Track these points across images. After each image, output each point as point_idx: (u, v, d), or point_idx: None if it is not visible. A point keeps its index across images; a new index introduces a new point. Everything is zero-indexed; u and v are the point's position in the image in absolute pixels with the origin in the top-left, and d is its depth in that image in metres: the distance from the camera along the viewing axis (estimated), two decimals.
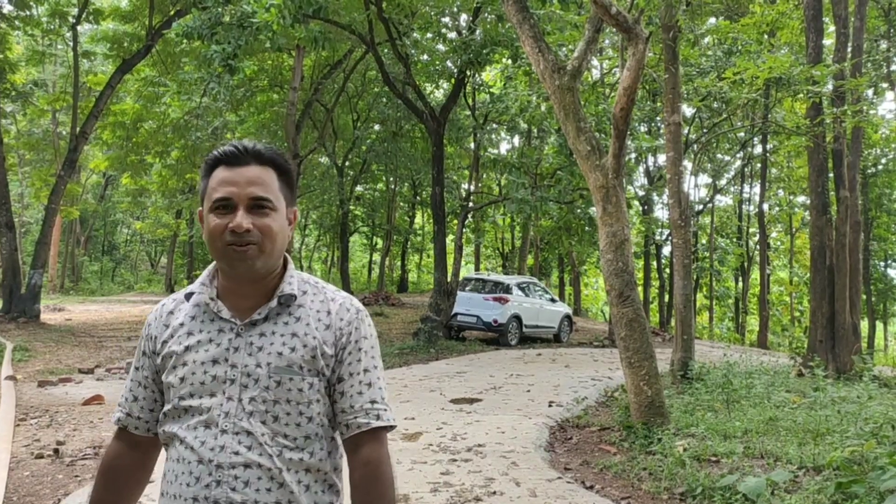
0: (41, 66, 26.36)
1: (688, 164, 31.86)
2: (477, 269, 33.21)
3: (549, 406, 8.74)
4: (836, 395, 7.76)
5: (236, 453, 1.47)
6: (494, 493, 5.10)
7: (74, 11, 20.59)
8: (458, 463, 6.02)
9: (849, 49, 12.99)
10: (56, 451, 6.13)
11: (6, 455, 5.82)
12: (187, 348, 1.56)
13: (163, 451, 1.69)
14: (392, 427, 1.61)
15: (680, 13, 10.24)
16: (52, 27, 21.21)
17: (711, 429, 6.47)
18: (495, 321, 16.76)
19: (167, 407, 1.57)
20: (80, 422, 7.40)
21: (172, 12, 18.60)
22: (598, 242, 7.26)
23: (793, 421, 6.72)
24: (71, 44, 21.26)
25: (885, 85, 22.06)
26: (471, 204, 21.82)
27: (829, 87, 12.16)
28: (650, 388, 6.66)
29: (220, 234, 1.52)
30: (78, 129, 18.77)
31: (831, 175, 13.69)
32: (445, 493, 5.10)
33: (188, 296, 1.63)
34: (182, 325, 1.60)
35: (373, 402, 1.58)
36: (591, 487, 5.42)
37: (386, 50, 18.86)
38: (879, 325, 32.21)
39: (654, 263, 30.64)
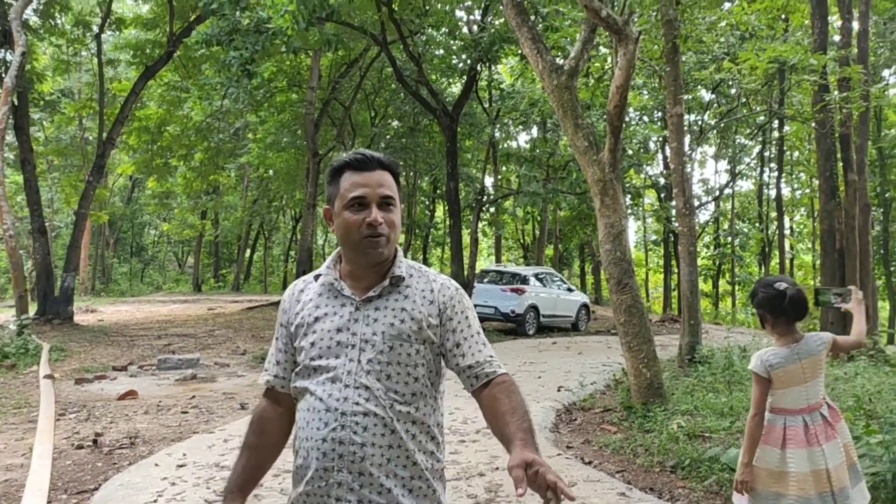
0: (67, 75, 27.04)
1: (708, 150, 31.88)
2: (498, 260, 33.48)
3: (558, 391, 9.10)
4: (838, 374, 8.01)
5: (357, 403, 1.76)
6: (497, 468, 5.49)
7: (98, 20, 21.21)
8: (467, 444, 6.42)
9: (853, 33, 13.11)
10: (95, 441, 6.59)
11: (49, 446, 6.30)
12: (316, 319, 1.88)
13: None
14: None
15: (677, 5, 10.47)
16: (76, 36, 21.85)
17: (707, 407, 6.79)
18: (513, 311, 17.11)
19: (299, 367, 1.90)
20: (116, 415, 7.88)
21: (193, 18, 19.08)
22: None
23: None
24: (95, 52, 21.87)
25: None
26: (486, 197, 22.16)
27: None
28: (649, 370, 7.00)
29: (357, 227, 1.83)
30: (105, 134, 19.32)
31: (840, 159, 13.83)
32: (452, 469, 5.50)
33: (316, 277, 1.96)
34: (311, 300, 1.93)
35: (491, 357, 1.87)
36: (590, 463, 5.79)
37: (400, 47, 19.25)
38: None
39: (674, 251, 30.59)
